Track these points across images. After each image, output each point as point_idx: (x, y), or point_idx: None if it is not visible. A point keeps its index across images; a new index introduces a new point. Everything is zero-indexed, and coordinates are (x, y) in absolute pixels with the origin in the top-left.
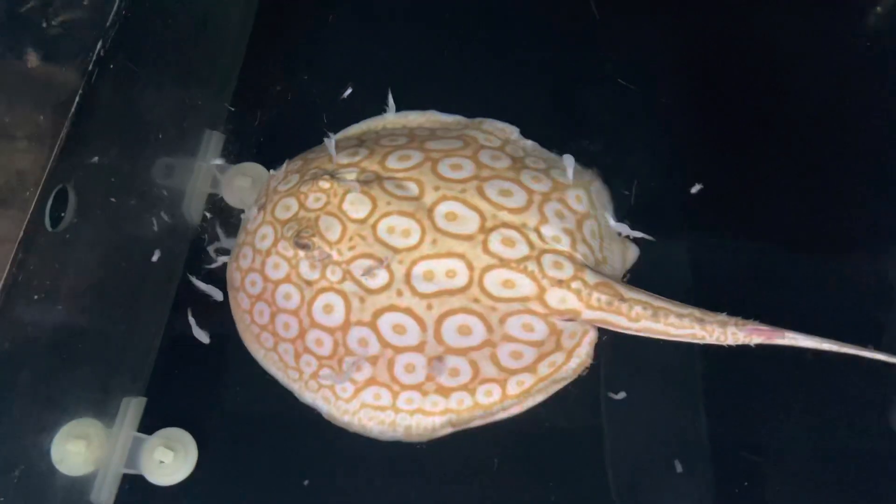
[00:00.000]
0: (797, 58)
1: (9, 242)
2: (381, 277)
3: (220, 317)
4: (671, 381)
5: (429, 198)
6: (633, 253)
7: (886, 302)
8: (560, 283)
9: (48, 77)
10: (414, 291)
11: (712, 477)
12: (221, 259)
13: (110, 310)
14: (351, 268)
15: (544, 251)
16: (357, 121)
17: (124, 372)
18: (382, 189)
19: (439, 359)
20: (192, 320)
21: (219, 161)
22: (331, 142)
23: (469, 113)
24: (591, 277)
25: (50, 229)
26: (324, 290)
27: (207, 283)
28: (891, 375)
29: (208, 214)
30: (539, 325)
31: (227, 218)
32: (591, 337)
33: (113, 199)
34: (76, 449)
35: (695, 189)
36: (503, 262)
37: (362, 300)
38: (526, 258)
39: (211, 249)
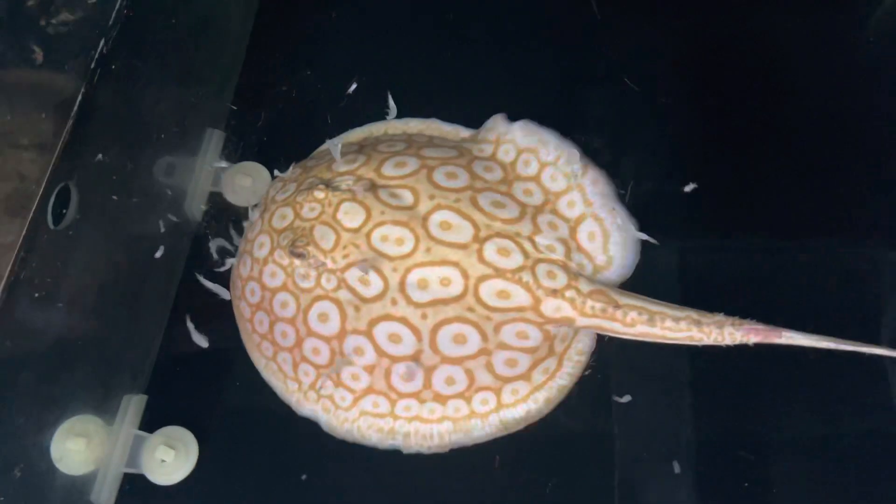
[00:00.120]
0: (797, 57)
1: (11, 240)
2: (376, 286)
3: (221, 315)
4: (671, 382)
5: (423, 206)
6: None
7: (884, 299)
8: (554, 292)
9: (50, 76)
10: (409, 300)
11: (711, 478)
12: (229, 262)
13: (111, 307)
14: (345, 276)
15: (539, 261)
16: (359, 119)
17: (125, 370)
18: (377, 198)
19: (414, 363)
20: (190, 326)
21: (220, 159)
22: (336, 148)
23: (469, 112)
24: (584, 286)
25: (52, 227)
26: (319, 298)
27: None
28: (891, 372)
29: (210, 213)
30: (534, 333)
31: (228, 217)
32: (586, 346)
33: (115, 198)
34: (76, 447)
35: (689, 188)
36: (498, 273)
37: (357, 308)
38: (521, 268)
39: (212, 247)
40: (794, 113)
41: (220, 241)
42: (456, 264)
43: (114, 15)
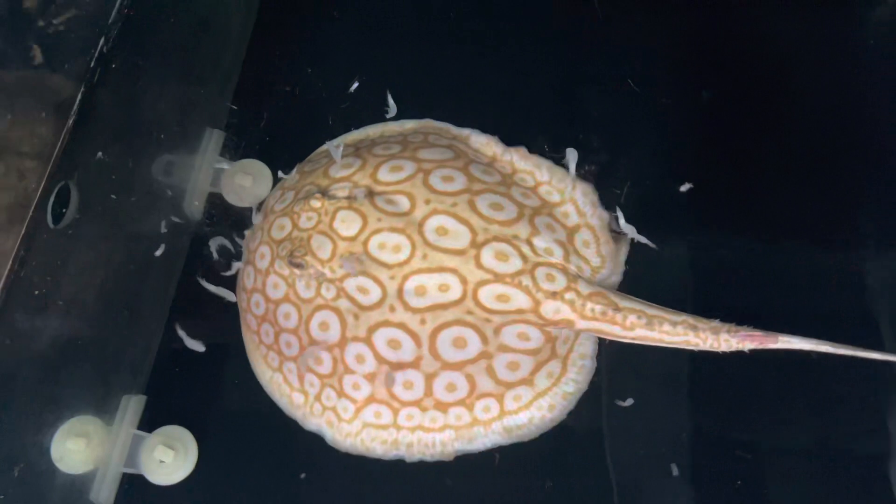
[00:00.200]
0: (797, 57)
1: (11, 239)
2: (374, 294)
3: (220, 315)
4: (670, 384)
5: (419, 212)
6: (625, 246)
7: (882, 300)
8: (554, 294)
9: (50, 75)
10: (406, 306)
11: (710, 480)
12: (235, 265)
13: (111, 307)
14: (344, 285)
15: (537, 264)
16: (359, 118)
17: (124, 369)
18: (373, 205)
19: (391, 371)
20: (182, 333)
21: (221, 160)
22: (337, 151)
23: (470, 110)
24: (584, 288)
25: (52, 226)
26: (319, 307)
27: (207, 280)
28: (890, 375)
29: (209, 212)
30: (534, 334)
31: (228, 216)
32: (589, 349)
33: (114, 197)
34: (76, 447)
35: (685, 188)
36: (497, 278)
37: (356, 316)
38: (520, 272)
39: (212, 246)
40: (794, 113)
41: (220, 240)
42: (454, 270)
43: (114, 14)
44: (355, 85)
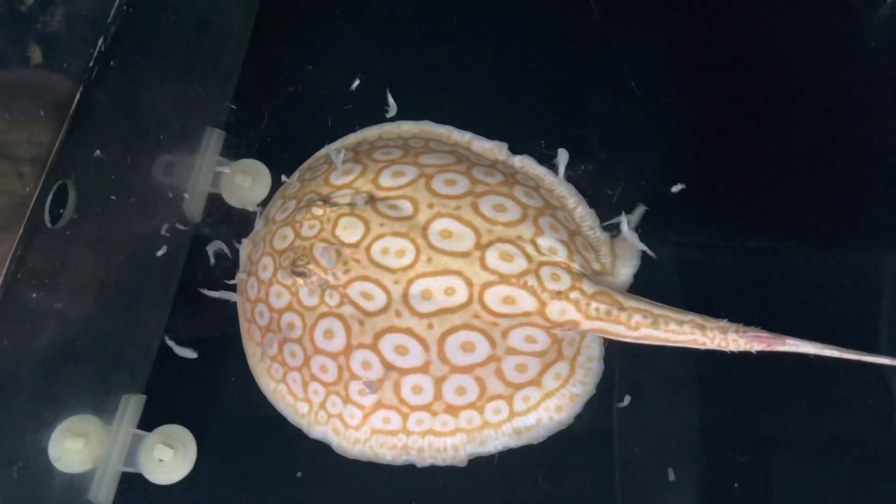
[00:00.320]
0: (797, 58)
1: (8, 239)
2: (379, 299)
3: (219, 315)
4: (669, 386)
5: (423, 216)
6: (632, 262)
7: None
8: (559, 294)
9: (48, 73)
10: (413, 311)
11: (707, 485)
12: (238, 276)
13: (110, 307)
14: (348, 291)
15: (542, 263)
16: (360, 117)
17: (124, 369)
18: (375, 211)
19: (371, 382)
20: (171, 343)
21: (220, 159)
22: (338, 157)
23: (469, 109)
24: (588, 287)
25: (50, 226)
26: (323, 315)
27: (206, 283)
28: (892, 377)
29: (209, 212)
30: (541, 336)
31: (227, 216)
32: (595, 351)
33: (113, 197)
34: (74, 446)
35: (676, 188)
36: (503, 279)
37: (361, 323)
38: (525, 273)
39: (210, 250)
40: (794, 113)
41: (218, 244)
42: (459, 273)
43: (113, 12)
44: (356, 83)
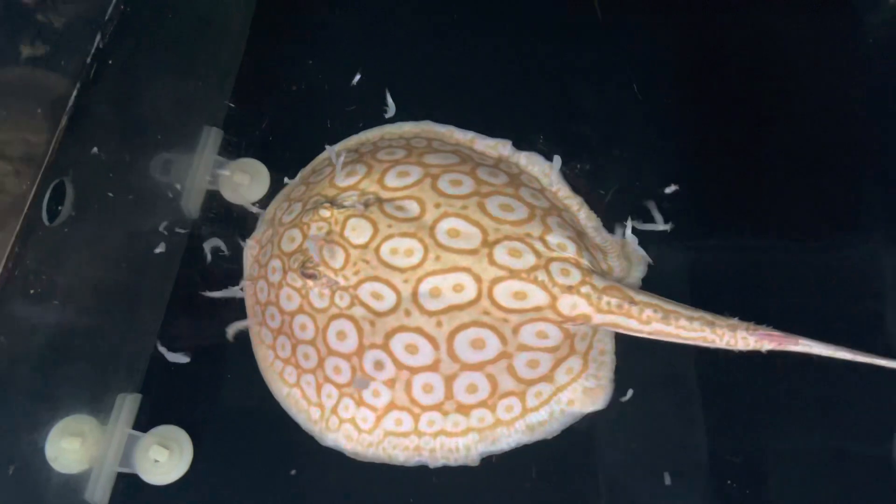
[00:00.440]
0: (797, 58)
1: (6, 236)
2: (388, 299)
3: (216, 314)
4: (668, 388)
5: (430, 216)
6: (640, 264)
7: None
8: (570, 288)
9: (46, 71)
10: (422, 310)
11: (704, 490)
12: (234, 290)
13: (107, 306)
14: (358, 293)
15: (551, 259)
16: (360, 116)
17: (120, 368)
18: (383, 212)
19: (361, 376)
20: (163, 349)
21: (218, 158)
22: (339, 159)
23: (470, 109)
24: (599, 281)
25: (47, 223)
26: (335, 316)
27: (204, 281)
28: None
29: (207, 210)
30: (553, 331)
31: (225, 215)
32: (608, 346)
33: (111, 194)
34: (71, 446)
35: (670, 189)
36: (513, 274)
37: (372, 323)
38: (534, 268)
39: (207, 247)
40: (794, 113)
41: (215, 242)
42: (467, 270)
43: (110, 10)
44: (357, 77)
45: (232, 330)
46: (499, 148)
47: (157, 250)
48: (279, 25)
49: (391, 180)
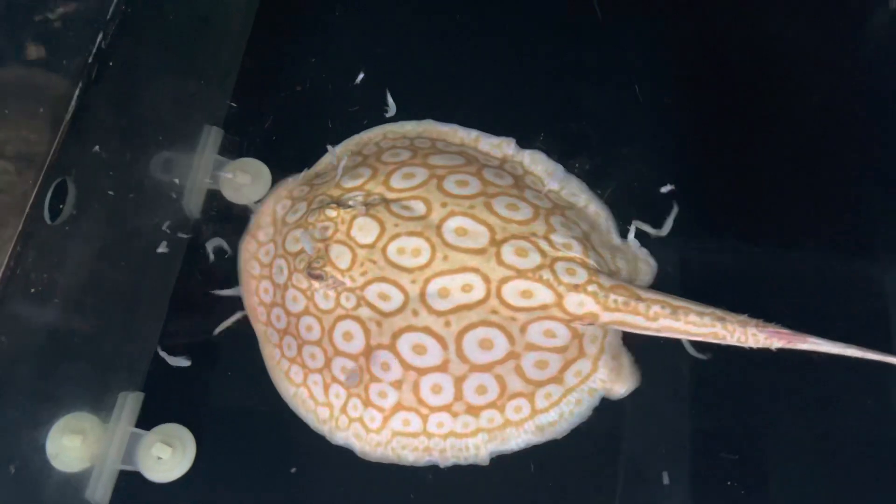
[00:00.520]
0: (797, 57)
1: (7, 235)
2: (396, 299)
3: (218, 312)
4: (667, 389)
5: (436, 215)
6: (648, 267)
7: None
8: (576, 287)
9: (47, 71)
10: (430, 310)
11: (702, 488)
12: (231, 289)
13: (108, 304)
14: (364, 293)
15: (556, 259)
16: (361, 115)
17: (122, 366)
18: (389, 211)
19: (355, 367)
20: (163, 354)
21: (218, 157)
22: (340, 164)
23: (470, 108)
24: (605, 280)
25: (49, 222)
26: (340, 317)
27: (204, 281)
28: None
29: (208, 210)
30: (561, 330)
31: (226, 213)
32: (622, 353)
33: (112, 193)
34: (72, 444)
35: (665, 189)
36: (520, 273)
37: (379, 324)
38: (539, 267)
39: (209, 247)
40: (795, 115)
41: (217, 241)
42: (476, 270)
43: (112, 9)
44: (361, 76)
45: (220, 328)
46: (503, 146)
47: (159, 249)
48: (280, 24)
49: (397, 182)
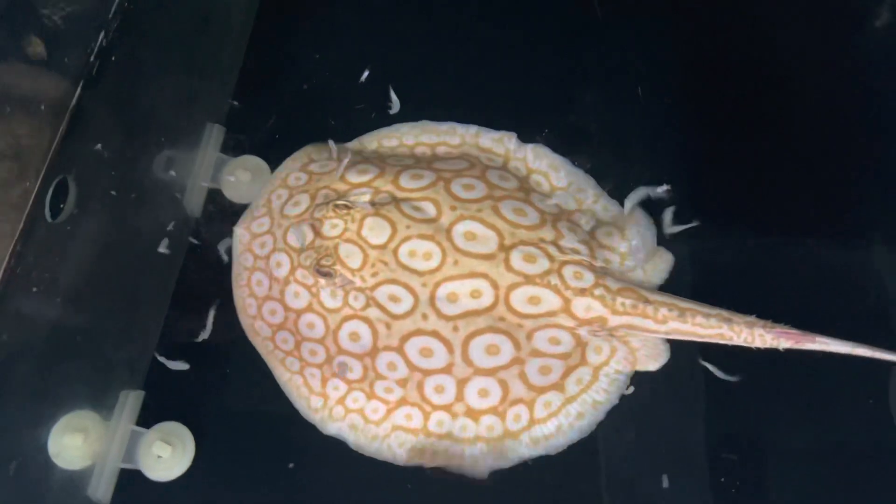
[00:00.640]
0: (798, 57)
1: (8, 233)
2: (406, 302)
3: (218, 311)
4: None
5: (446, 218)
6: (665, 260)
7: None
8: (583, 291)
9: (49, 69)
10: (439, 314)
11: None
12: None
13: (109, 302)
14: (375, 294)
15: (564, 263)
16: (362, 114)
17: (122, 365)
18: (401, 212)
19: (345, 359)
20: (162, 358)
21: (220, 155)
22: (342, 163)
23: (470, 108)
24: (612, 283)
25: (50, 220)
26: (348, 317)
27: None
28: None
29: (209, 208)
30: (565, 337)
31: (227, 213)
32: (624, 367)
33: (113, 192)
34: (73, 442)
35: (661, 189)
36: (528, 279)
37: (388, 326)
38: (547, 272)
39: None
40: (795, 115)
41: (229, 242)
42: (485, 276)
43: (114, 7)
44: (366, 74)
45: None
46: (504, 141)
47: (160, 248)
48: (282, 22)
49: (406, 181)
